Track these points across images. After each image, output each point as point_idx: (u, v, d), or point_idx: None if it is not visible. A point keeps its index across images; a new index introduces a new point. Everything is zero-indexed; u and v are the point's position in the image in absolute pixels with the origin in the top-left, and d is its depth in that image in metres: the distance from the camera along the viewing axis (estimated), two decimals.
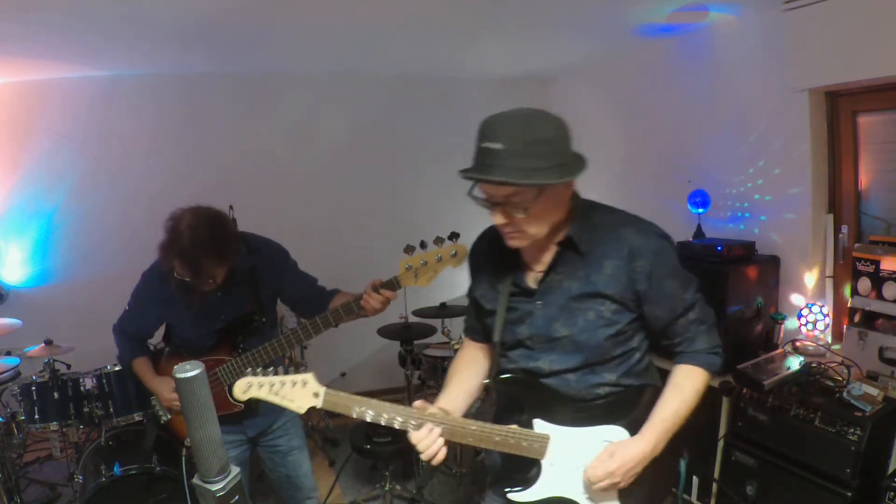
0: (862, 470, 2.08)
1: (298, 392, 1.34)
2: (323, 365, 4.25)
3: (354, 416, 1.35)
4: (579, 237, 1.35)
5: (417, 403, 1.37)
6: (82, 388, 2.71)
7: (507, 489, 1.42)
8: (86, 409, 2.69)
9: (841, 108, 2.77)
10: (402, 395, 3.73)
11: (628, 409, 1.41)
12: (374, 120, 4.46)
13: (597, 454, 1.35)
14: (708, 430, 2.67)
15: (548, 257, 1.39)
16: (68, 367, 2.93)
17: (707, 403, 2.65)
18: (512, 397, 1.46)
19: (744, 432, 2.48)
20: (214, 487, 0.94)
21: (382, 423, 1.35)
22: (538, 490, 1.39)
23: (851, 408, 2.16)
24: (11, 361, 3.02)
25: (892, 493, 2.02)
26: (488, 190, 1.26)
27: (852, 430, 2.10)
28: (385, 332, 3.50)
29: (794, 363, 2.55)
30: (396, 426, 1.34)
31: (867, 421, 2.08)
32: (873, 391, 2.18)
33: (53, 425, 2.70)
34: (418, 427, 1.33)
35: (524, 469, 1.41)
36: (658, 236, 1.36)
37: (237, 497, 0.96)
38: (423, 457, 1.34)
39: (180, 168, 3.98)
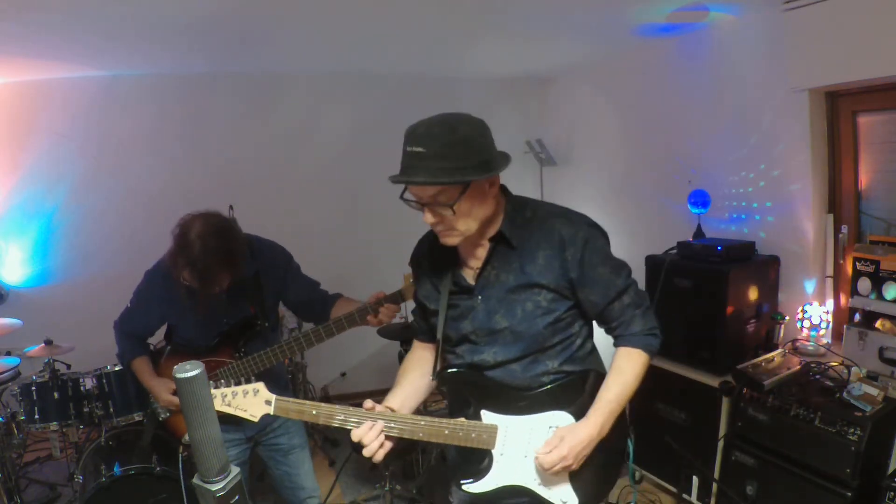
0: (862, 470, 2.08)
1: (250, 401, 1.40)
2: (323, 365, 4.26)
3: (306, 419, 1.41)
4: (510, 231, 1.42)
5: (367, 404, 1.42)
6: (82, 388, 2.70)
7: (461, 481, 1.47)
8: (86, 409, 2.69)
9: (841, 108, 2.77)
10: None
11: (573, 394, 1.46)
12: (374, 120, 4.46)
13: (545, 440, 1.40)
14: (708, 430, 2.67)
15: (482, 253, 1.45)
16: (68, 367, 2.92)
17: (707, 403, 2.68)
18: (459, 391, 1.52)
19: (744, 432, 2.48)
20: (214, 487, 0.94)
21: (335, 426, 1.40)
22: (491, 480, 1.45)
23: (851, 408, 2.16)
24: (11, 361, 3.02)
25: (892, 493, 2.02)
26: (416, 192, 1.33)
27: (852, 430, 2.10)
28: (385, 332, 3.50)
29: (794, 363, 2.55)
30: (347, 427, 1.39)
31: (867, 421, 2.08)
32: (873, 391, 2.18)
33: (53, 425, 2.70)
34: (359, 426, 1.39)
35: (476, 460, 1.47)
36: (587, 225, 1.43)
37: (237, 497, 0.96)
38: (365, 452, 1.39)
39: (180, 168, 3.98)
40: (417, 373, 1.60)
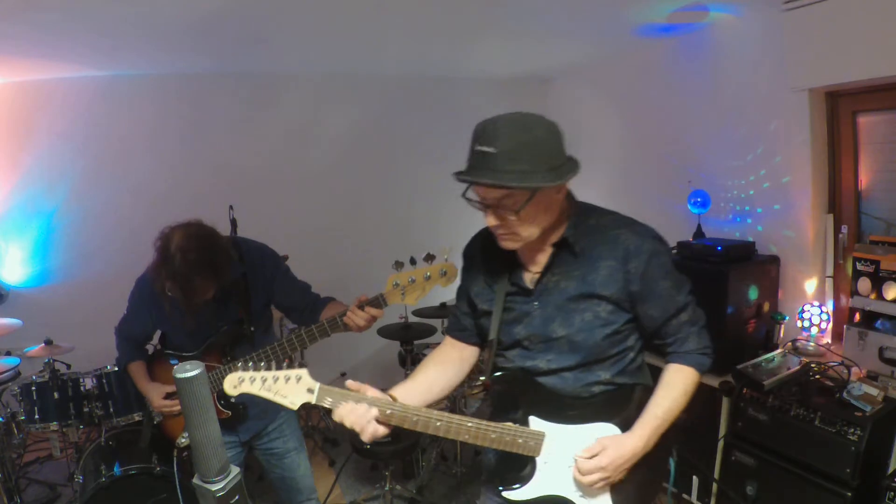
0: (862, 470, 2.08)
1: (292, 388, 1.34)
2: (323, 365, 4.25)
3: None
4: (574, 238, 1.37)
5: (350, 384, 1.37)
6: (82, 388, 2.71)
7: (501, 487, 1.43)
8: (86, 409, 2.69)
9: (841, 108, 2.77)
10: None
11: (621, 407, 1.42)
12: (374, 120, 4.46)
13: (586, 449, 1.37)
14: (708, 430, 2.67)
15: (543, 258, 1.41)
16: (68, 367, 2.92)
17: (707, 403, 2.67)
18: (507, 395, 1.47)
19: (744, 432, 2.48)
20: (214, 487, 0.94)
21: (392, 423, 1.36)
22: (533, 488, 1.40)
23: (851, 408, 2.16)
24: (11, 361, 3.03)
25: (892, 493, 2.02)
26: (481, 192, 1.28)
27: (852, 430, 2.09)
28: (385, 332, 3.50)
29: (794, 363, 2.55)
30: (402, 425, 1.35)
31: (867, 421, 2.08)
32: (873, 391, 2.18)
33: (53, 425, 2.70)
34: (438, 431, 1.35)
35: (518, 467, 1.42)
36: (653, 238, 1.38)
37: (237, 497, 0.96)
38: (355, 427, 1.34)
39: (180, 168, 3.98)
40: (436, 370, 1.56)
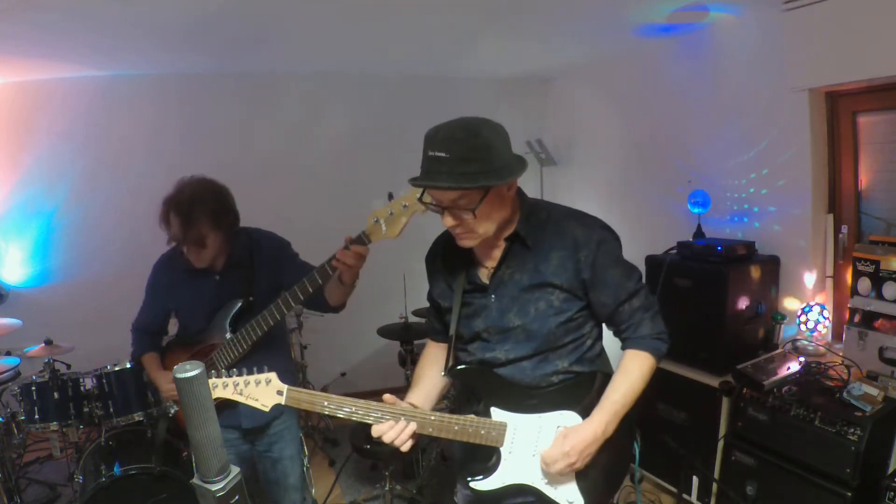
0: (862, 470, 2.08)
1: (262, 390, 1.40)
2: (323, 365, 4.26)
3: (318, 410, 1.41)
4: (526, 232, 1.44)
5: (387, 397, 1.45)
6: (82, 388, 2.70)
7: (469, 478, 1.47)
8: (86, 409, 2.69)
9: (841, 108, 2.77)
10: (402, 394, 3.72)
11: (581, 394, 1.47)
12: (374, 120, 4.46)
13: (552, 439, 1.41)
14: (708, 430, 2.67)
15: (497, 253, 1.48)
16: (68, 367, 2.92)
17: (707, 403, 2.67)
18: (468, 388, 1.55)
19: (744, 432, 2.48)
20: (214, 487, 0.93)
21: (341, 416, 1.41)
22: (498, 477, 1.46)
23: (851, 408, 2.16)
24: (11, 361, 3.03)
25: (892, 493, 2.02)
26: (437, 195, 1.35)
27: (852, 430, 2.09)
28: (385, 332, 3.50)
29: (794, 363, 2.55)
30: (363, 420, 1.41)
31: (867, 421, 2.08)
32: (873, 391, 2.18)
33: (53, 425, 2.70)
34: (380, 421, 1.41)
35: (484, 458, 1.48)
36: (601, 228, 1.46)
37: (237, 497, 0.96)
38: (396, 443, 1.41)
39: (180, 168, 3.92)
40: (435, 370, 1.63)
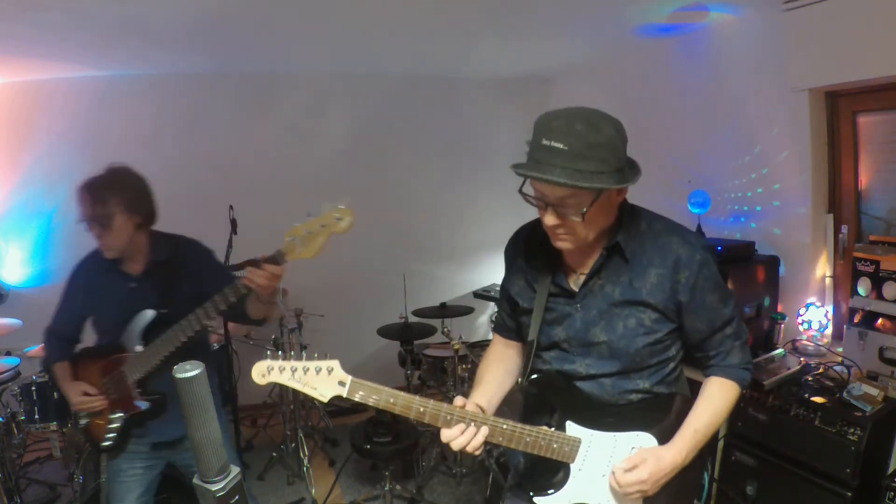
0: (862, 470, 2.08)
1: (323, 379, 1.29)
2: None
3: (384, 407, 1.29)
4: (627, 243, 1.34)
5: (458, 401, 1.34)
6: None
7: (532, 493, 1.39)
8: None
9: (841, 108, 2.77)
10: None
11: (658, 416, 1.40)
12: (374, 120, 4.46)
13: (626, 459, 1.34)
14: None
15: (591, 261, 1.37)
16: None
17: None
18: (542, 398, 1.43)
19: (744, 432, 2.48)
20: (214, 487, 0.93)
21: (411, 417, 1.30)
22: (564, 495, 1.37)
23: (851, 408, 2.16)
24: (11, 361, 3.03)
25: (892, 493, 2.02)
26: (543, 189, 1.24)
27: (852, 430, 2.09)
28: (385, 332, 3.50)
29: (794, 363, 2.55)
30: (427, 420, 1.30)
31: (867, 421, 2.08)
32: (873, 391, 2.18)
33: (53, 425, 2.70)
34: (449, 424, 1.30)
35: (550, 472, 1.39)
36: (704, 249, 1.35)
37: (237, 497, 0.95)
38: (469, 448, 1.30)
39: (180, 168, 3.98)
40: (501, 369, 1.55)
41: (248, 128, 4.20)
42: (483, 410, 1.39)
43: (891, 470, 2.13)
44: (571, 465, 1.36)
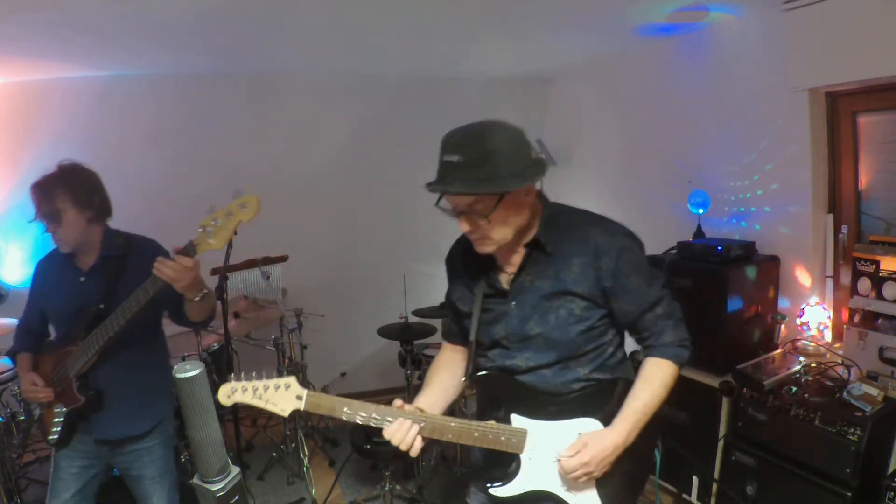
0: (862, 470, 2.08)
1: (281, 395, 1.38)
2: (323, 365, 4.26)
3: (336, 415, 1.39)
4: (546, 238, 1.42)
5: (396, 402, 1.43)
6: None
7: (488, 484, 1.46)
8: None
9: (841, 108, 2.77)
10: (402, 394, 3.71)
11: (602, 402, 1.45)
12: (374, 120, 4.46)
13: (569, 446, 1.40)
14: (708, 430, 2.67)
15: (518, 259, 1.46)
16: None
17: (707, 403, 2.67)
18: (489, 394, 1.53)
19: (744, 432, 2.48)
20: (214, 487, 0.94)
21: (359, 423, 1.40)
22: (518, 484, 1.44)
23: (851, 408, 2.16)
24: (11, 361, 3.02)
25: (892, 493, 2.02)
26: (452, 200, 1.35)
27: (852, 430, 2.10)
28: (385, 332, 3.50)
29: (794, 363, 2.55)
30: (373, 425, 1.40)
31: (867, 421, 2.09)
32: (873, 391, 2.18)
33: None
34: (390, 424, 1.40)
35: (504, 464, 1.46)
36: (623, 235, 1.43)
37: (237, 497, 0.96)
38: (402, 447, 1.40)
39: (180, 168, 3.98)
40: (446, 374, 1.61)
41: (248, 128, 4.20)
42: (423, 412, 1.46)
43: (891, 470, 2.13)
44: (521, 456, 1.44)
